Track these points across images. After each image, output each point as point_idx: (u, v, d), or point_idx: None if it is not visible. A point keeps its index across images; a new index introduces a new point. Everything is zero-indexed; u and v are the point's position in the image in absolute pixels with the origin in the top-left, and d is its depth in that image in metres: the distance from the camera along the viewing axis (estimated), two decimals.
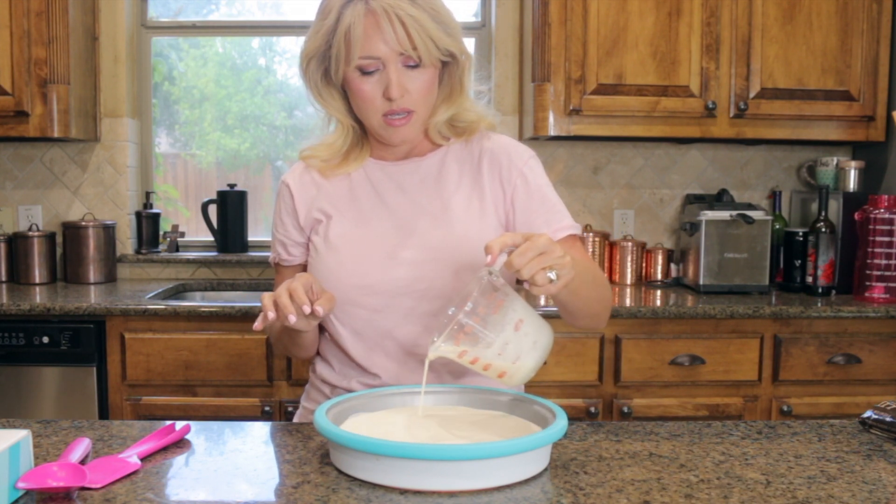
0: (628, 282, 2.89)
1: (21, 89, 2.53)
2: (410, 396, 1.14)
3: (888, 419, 1.11)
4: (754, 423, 1.19)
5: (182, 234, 3.07)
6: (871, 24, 2.65)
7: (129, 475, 0.95)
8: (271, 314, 1.10)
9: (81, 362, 2.32)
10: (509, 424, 1.06)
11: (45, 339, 2.31)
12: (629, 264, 2.88)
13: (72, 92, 2.61)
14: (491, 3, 3.00)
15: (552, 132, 2.64)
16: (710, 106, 2.62)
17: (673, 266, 2.90)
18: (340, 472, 0.96)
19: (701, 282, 2.65)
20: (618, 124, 2.65)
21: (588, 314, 1.25)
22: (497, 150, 1.33)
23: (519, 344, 1.04)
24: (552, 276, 1.01)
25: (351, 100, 1.28)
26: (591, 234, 2.85)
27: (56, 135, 2.57)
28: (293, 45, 3.16)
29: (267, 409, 2.33)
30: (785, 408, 2.38)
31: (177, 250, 3.02)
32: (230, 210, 2.96)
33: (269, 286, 1.39)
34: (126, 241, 2.96)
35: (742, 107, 2.62)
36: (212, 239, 3.02)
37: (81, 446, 1.00)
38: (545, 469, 0.98)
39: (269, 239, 1.44)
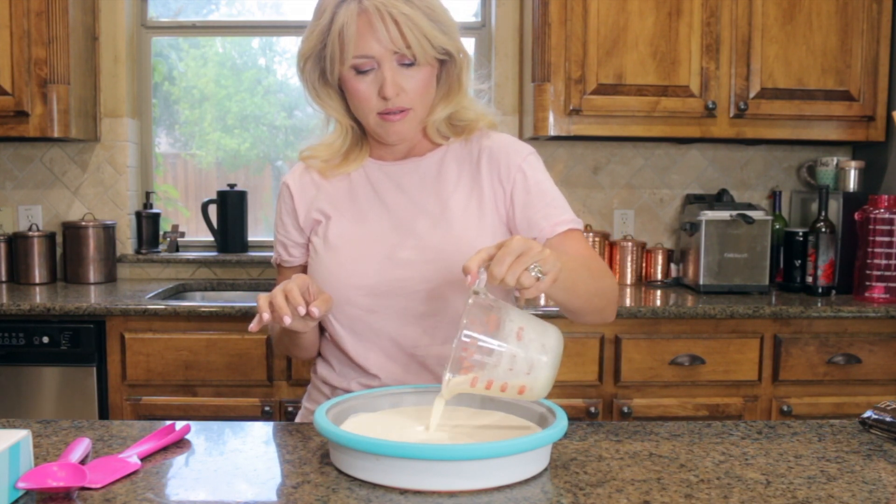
0: (628, 282, 2.89)
1: (21, 89, 2.53)
2: (410, 396, 1.14)
3: (888, 419, 1.11)
4: (754, 423, 1.19)
5: (182, 234, 3.07)
6: (871, 24, 2.65)
7: (129, 475, 0.95)
8: (266, 315, 1.10)
9: (81, 362, 2.32)
10: (509, 424, 1.06)
11: (45, 339, 2.31)
12: (629, 264, 2.88)
13: (72, 92, 2.61)
14: (491, 3, 3.00)
15: (552, 132, 2.64)
16: (710, 106, 2.62)
17: (673, 266, 2.90)
18: (340, 472, 0.96)
19: (701, 282, 2.65)
20: (618, 124, 2.65)
21: (591, 309, 1.22)
22: (496, 148, 1.32)
23: (527, 353, 1.00)
24: (536, 273, 0.98)
25: (348, 99, 1.28)
26: (591, 234, 2.85)
27: (56, 135, 2.57)
28: (293, 45, 3.16)
29: (267, 409, 2.33)
30: (785, 408, 2.38)
31: (177, 250, 3.02)
32: (230, 210, 2.96)
33: (270, 286, 1.39)
34: (126, 241, 2.96)
35: (742, 107, 2.62)
36: (212, 239, 3.02)
37: (81, 446, 1.00)
38: (545, 469, 0.98)
39: (269, 239, 1.45)
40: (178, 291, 2.81)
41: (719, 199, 2.81)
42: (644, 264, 2.93)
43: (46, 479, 0.88)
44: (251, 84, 3.17)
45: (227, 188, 2.98)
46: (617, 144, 2.98)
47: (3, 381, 2.33)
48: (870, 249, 2.50)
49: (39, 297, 2.45)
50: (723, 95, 2.64)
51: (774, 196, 2.96)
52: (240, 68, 3.18)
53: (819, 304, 2.42)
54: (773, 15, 2.62)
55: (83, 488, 0.90)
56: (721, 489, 0.92)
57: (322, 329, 1.37)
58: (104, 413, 2.34)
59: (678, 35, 2.61)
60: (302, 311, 1.10)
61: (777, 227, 2.83)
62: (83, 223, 2.79)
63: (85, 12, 2.77)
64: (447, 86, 1.30)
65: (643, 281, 2.92)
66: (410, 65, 1.21)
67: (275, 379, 2.35)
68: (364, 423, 1.05)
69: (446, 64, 1.28)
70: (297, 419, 1.43)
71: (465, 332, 0.99)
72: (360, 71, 1.22)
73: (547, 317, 2.33)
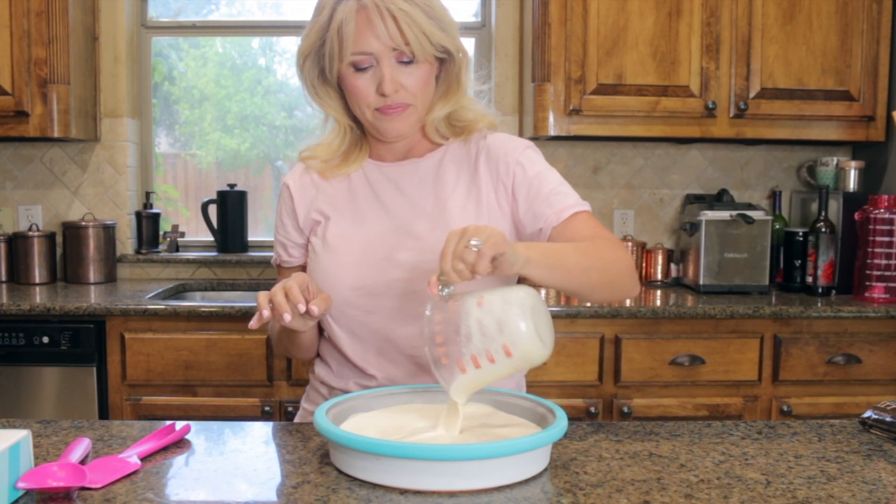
0: (635, 281, 2.88)
1: (21, 89, 2.53)
2: (410, 396, 1.14)
3: (888, 419, 1.11)
4: (754, 423, 1.19)
5: (182, 234, 3.07)
6: (871, 24, 2.65)
7: (129, 475, 0.95)
8: (266, 313, 1.10)
9: (81, 362, 2.32)
10: (509, 424, 1.06)
11: (45, 339, 2.31)
12: None
13: (72, 92, 2.61)
14: (491, 3, 3.00)
15: (552, 132, 2.64)
16: (710, 106, 2.62)
17: (673, 266, 2.90)
18: (340, 472, 0.96)
19: (701, 282, 2.65)
20: (618, 124, 2.65)
21: (592, 285, 1.18)
22: (493, 146, 1.32)
23: (491, 314, 0.98)
24: (475, 246, 0.98)
25: (346, 97, 1.28)
26: None
27: (56, 135, 2.57)
28: (293, 45, 3.16)
29: (267, 409, 2.33)
30: (785, 408, 2.38)
31: (177, 250, 3.02)
32: (230, 210, 2.96)
33: (270, 286, 1.39)
34: (126, 241, 2.96)
35: (742, 107, 2.62)
36: (212, 239, 3.02)
37: (81, 446, 1.00)
38: (545, 469, 0.97)
39: (269, 239, 1.45)
40: (178, 291, 2.81)
41: (719, 199, 2.81)
42: (644, 264, 2.93)
43: (46, 479, 0.88)
44: (251, 84, 3.17)
45: (227, 188, 2.98)
46: (617, 144, 2.98)
47: (3, 381, 2.33)
48: (870, 249, 2.50)
49: (39, 297, 2.45)
50: (723, 95, 2.64)
51: (774, 196, 2.96)
52: (240, 68, 3.18)
53: (819, 304, 2.42)
54: (773, 15, 2.62)
55: (83, 488, 0.90)
56: (721, 489, 0.92)
57: (321, 330, 1.37)
58: (104, 413, 2.34)
59: (678, 35, 2.61)
60: (302, 308, 1.10)
61: (777, 227, 2.83)
62: (83, 223, 2.79)
63: (85, 12, 2.77)
64: (446, 85, 1.30)
65: (643, 281, 2.92)
66: (409, 62, 1.22)
67: (275, 379, 2.35)
68: (364, 423, 1.05)
69: (445, 63, 1.28)
70: (296, 420, 1.43)
71: (426, 327, 0.99)
72: (358, 68, 1.22)
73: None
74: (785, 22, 2.63)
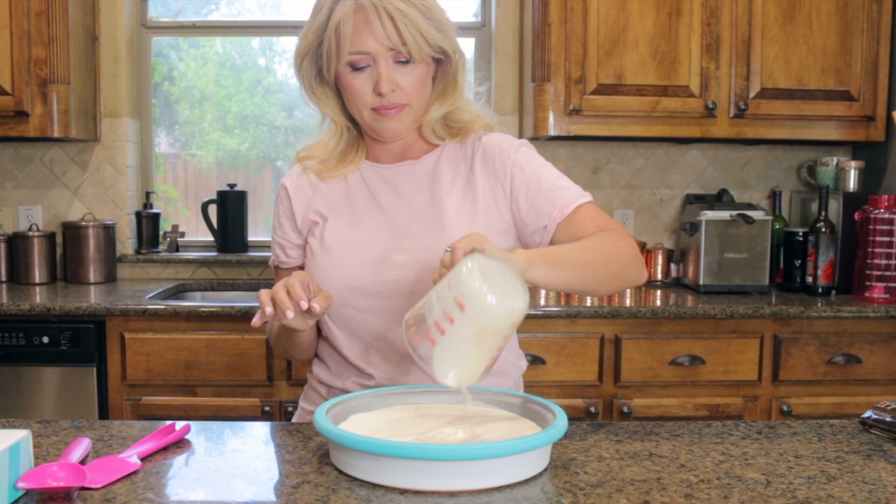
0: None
1: (21, 89, 2.53)
2: (410, 396, 1.14)
3: (888, 419, 1.11)
4: (754, 423, 1.19)
5: (182, 234, 3.07)
6: (871, 24, 2.65)
7: (129, 475, 0.95)
8: (269, 310, 1.11)
9: (81, 362, 2.32)
10: (509, 424, 1.06)
11: (45, 339, 2.31)
12: None
13: (72, 92, 2.61)
14: (491, 3, 3.00)
15: (552, 132, 2.64)
16: (710, 106, 2.62)
17: (673, 266, 2.90)
18: (340, 472, 0.96)
19: (701, 282, 2.65)
20: (618, 124, 2.65)
21: (599, 278, 1.17)
22: (489, 147, 1.32)
23: (443, 280, 0.97)
24: (447, 248, 1.00)
25: (343, 96, 1.29)
26: None
27: (56, 135, 2.57)
28: (293, 45, 3.15)
29: (267, 409, 2.33)
30: (785, 408, 2.38)
31: (177, 250, 3.02)
32: (230, 210, 2.96)
33: (269, 286, 1.40)
34: (126, 241, 2.96)
35: (742, 107, 2.62)
36: (212, 239, 3.02)
37: (81, 446, 1.00)
38: (545, 469, 0.98)
39: (269, 239, 1.45)
40: (178, 291, 2.81)
41: (719, 199, 2.81)
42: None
43: (46, 479, 0.88)
44: (251, 84, 3.17)
45: (227, 188, 2.98)
46: (617, 144, 2.98)
47: (3, 381, 2.33)
48: (870, 249, 2.50)
49: (39, 297, 2.45)
50: (723, 95, 2.64)
51: (774, 196, 2.96)
52: (240, 68, 3.18)
53: (819, 304, 2.42)
54: (773, 15, 2.62)
55: (83, 488, 0.90)
56: (721, 489, 0.92)
57: (319, 330, 1.37)
58: (104, 413, 2.34)
59: (678, 35, 2.61)
60: (304, 305, 1.10)
61: (777, 227, 2.83)
62: (83, 223, 2.79)
63: (85, 12, 2.77)
64: (443, 85, 1.30)
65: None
66: (406, 62, 1.22)
67: (275, 379, 2.35)
68: (364, 423, 1.05)
69: (442, 63, 1.29)
70: (295, 419, 1.44)
71: (404, 330, 1.00)
72: (355, 67, 1.22)
73: (547, 317, 2.33)
74: (785, 22, 2.63)
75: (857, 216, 2.57)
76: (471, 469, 0.89)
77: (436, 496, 0.89)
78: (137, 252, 2.98)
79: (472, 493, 0.90)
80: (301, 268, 1.38)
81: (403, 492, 0.90)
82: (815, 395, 2.40)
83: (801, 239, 2.69)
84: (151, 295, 2.51)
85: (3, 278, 2.82)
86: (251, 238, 3.03)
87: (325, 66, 1.25)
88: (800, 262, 2.69)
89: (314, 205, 1.34)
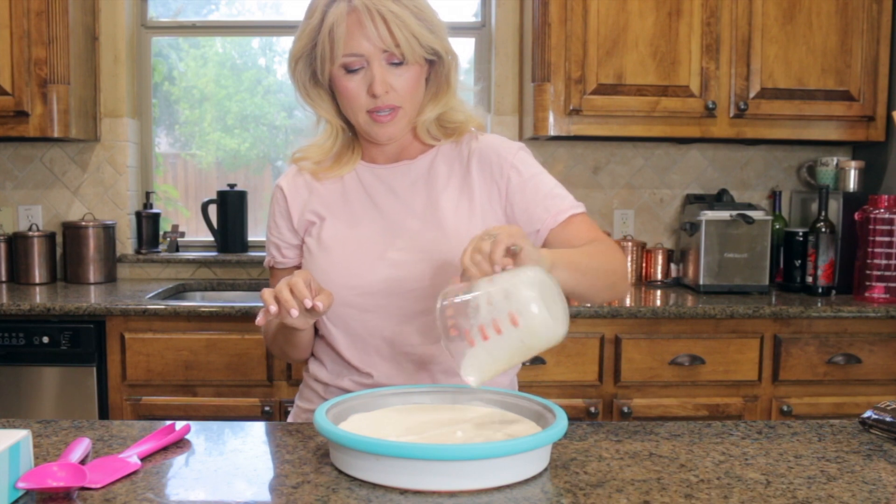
0: (628, 282, 2.88)
1: (21, 89, 2.53)
2: (410, 396, 1.14)
3: (888, 419, 1.11)
4: (754, 423, 1.19)
5: (182, 234, 3.07)
6: (871, 24, 2.65)
7: (129, 475, 0.95)
8: (273, 308, 1.11)
9: (81, 362, 2.32)
10: (509, 424, 1.06)
11: (45, 339, 2.31)
12: (629, 264, 2.88)
13: (72, 92, 2.61)
14: (491, 3, 3.00)
15: (552, 132, 2.64)
16: (710, 106, 2.62)
17: (673, 266, 2.90)
18: (340, 472, 0.96)
19: (701, 282, 2.65)
20: (618, 124, 2.65)
21: (600, 286, 1.21)
22: (486, 148, 1.33)
23: (498, 286, 0.98)
24: (490, 236, 1.01)
25: (338, 99, 1.29)
26: None
27: (56, 135, 2.57)
28: None
29: (267, 409, 2.33)
30: (785, 408, 2.38)
31: (177, 250, 3.02)
32: (230, 210, 2.96)
33: (268, 286, 1.40)
34: (126, 241, 2.96)
35: (742, 107, 2.62)
36: (212, 239, 3.02)
37: (81, 446, 1.00)
38: (545, 469, 0.98)
39: None
40: (178, 291, 2.81)
41: (719, 199, 2.81)
42: (644, 264, 2.93)
43: (46, 479, 0.88)
44: (251, 84, 3.17)
45: (227, 188, 2.98)
46: (617, 144, 2.98)
47: (3, 381, 2.33)
48: (870, 249, 2.50)
49: (39, 297, 2.45)
50: (723, 95, 2.64)
51: (774, 196, 2.96)
52: (240, 68, 3.18)
53: (819, 304, 2.42)
54: (773, 15, 2.62)
55: (83, 488, 0.90)
56: (721, 489, 0.92)
57: (316, 329, 1.37)
58: (104, 413, 2.34)
59: (678, 35, 2.61)
60: (308, 304, 1.11)
61: (777, 227, 2.83)
62: (83, 223, 2.79)
63: (85, 12, 2.77)
64: (436, 86, 1.32)
65: (643, 281, 2.92)
66: (399, 64, 1.23)
67: (275, 379, 2.35)
68: (364, 423, 1.05)
69: (435, 65, 1.30)
70: (290, 418, 1.44)
71: (439, 313, 1.00)
72: (349, 70, 1.23)
73: None
74: (785, 22, 2.63)
75: (857, 216, 2.57)
76: (471, 469, 0.89)
77: (436, 496, 0.89)
78: (137, 252, 2.98)
79: (472, 493, 0.90)
80: (297, 268, 1.38)
81: (403, 492, 0.90)
82: (815, 395, 2.40)
83: (801, 239, 2.69)
84: (151, 295, 2.51)
85: (3, 278, 2.82)
86: (251, 238, 3.03)
87: (319, 68, 1.26)
88: (800, 262, 2.69)
89: (311, 205, 1.35)
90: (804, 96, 2.65)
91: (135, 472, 0.96)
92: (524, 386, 2.29)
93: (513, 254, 1.02)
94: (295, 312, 1.11)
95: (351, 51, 1.21)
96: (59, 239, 2.88)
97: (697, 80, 2.63)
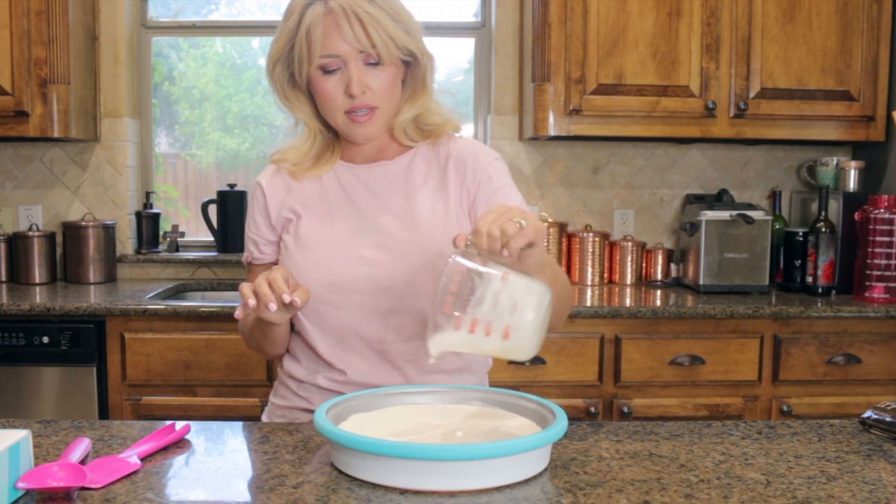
0: (628, 282, 2.89)
1: (21, 89, 2.53)
2: (409, 396, 1.14)
3: (888, 419, 1.11)
4: (754, 423, 1.19)
5: (182, 234, 3.07)
6: (871, 24, 2.65)
7: (129, 475, 0.95)
8: (252, 302, 1.13)
9: (81, 362, 2.32)
10: (509, 424, 1.06)
11: (45, 339, 2.31)
12: (629, 264, 2.88)
13: (72, 92, 2.60)
14: (491, 3, 3.00)
15: (552, 132, 2.64)
16: (710, 106, 2.62)
17: (673, 266, 2.90)
18: (340, 472, 0.96)
19: (701, 282, 2.65)
20: (618, 124, 2.65)
21: (558, 307, 1.22)
22: (463, 151, 1.35)
23: (511, 292, 1.00)
24: (521, 222, 1.01)
25: (316, 100, 1.31)
26: (591, 234, 2.85)
27: (56, 135, 2.57)
28: None
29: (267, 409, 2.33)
30: (785, 408, 2.38)
31: (177, 250, 3.02)
32: (230, 210, 2.96)
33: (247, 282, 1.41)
34: (126, 241, 2.96)
35: (742, 107, 2.62)
36: (212, 239, 3.02)
37: (81, 446, 1.00)
38: (545, 469, 0.98)
39: None
40: (178, 291, 2.81)
41: (719, 199, 2.81)
42: (644, 264, 2.93)
43: (46, 479, 0.88)
44: (251, 84, 3.17)
45: (227, 188, 2.98)
46: (617, 144, 2.98)
47: (3, 381, 2.33)
48: (870, 249, 2.50)
49: (39, 297, 2.45)
50: (723, 95, 2.64)
51: (774, 196, 2.96)
52: (240, 68, 3.18)
53: (819, 304, 2.42)
54: (773, 15, 2.62)
55: (83, 488, 0.90)
56: (721, 489, 0.92)
57: (292, 325, 1.38)
58: (104, 413, 2.34)
59: (678, 35, 2.61)
60: (287, 299, 1.12)
61: (777, 227, 2.83)
62: (83, 223, 2.79)
63: (85, 12, 2.77)
64: (412, 87, 1.33)
65: (643, 281, 2.92)
66: (376, 64, 1.25)
67: (275, 379, 2.34)
68: (364, 423, 1.05)
69: (411, 66, 1.32)
70: (264, 416, 1.45)
71: (444, 276, 1.00)
72: (327, 70, 1.25)
73: None
74: (785, 22, 2.63)
75: (857, 216, 2.57)
76: (471, 469, 0.89)
77: (436, 496, 0.89)
78: (137, 252, 2.98)
79: (472, 493, 0.90)
80: (275, 264, 1.39)
81: (403, 492, 0.90)
82: (815, 395, 2.40)
83: (801, 239, 2.69)
84: (151, 295, 2.51)
85: (3, 278, 2.82)
86: None
87: (297, 70, 1.28)
88: (800, 262, 2.69)
89: (288, 202, 1.36)
90: (804, 96, 2.65)
91: (135, 472, 0.96)
92: (524, 386, 2.29)
93: (529, 245, 1.03)
94: (273, 307, 1.12)
95: (328, 52, 1.23)
96: (59, 239, 2.88)
97: (697, 80, 2.63)
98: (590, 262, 2.85)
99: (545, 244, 1.06)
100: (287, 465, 1.00)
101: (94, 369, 2.33)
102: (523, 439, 0.91)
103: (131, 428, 1.14)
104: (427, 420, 1.07)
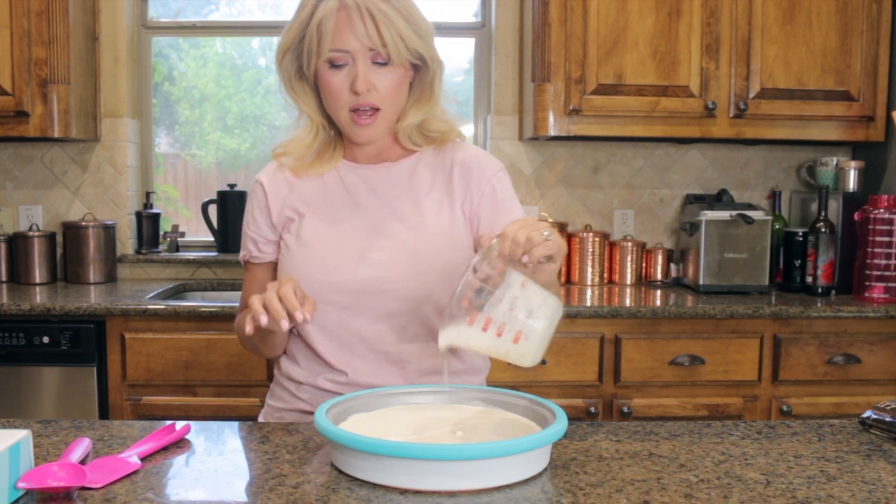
0: (628, 282, 2.89)
1: (21, 89, 2.53)
2: (409, 396, 1.14)
3: (888, 419, 1.11)
4: (754, 423, 1.19)
5: (182, 234, 3.07)
6: (871, 24, 2.65)
7: (129, 475, 0.95)
8: (264, 319, 1.11)
9: (81, 362, 2.32)
10: (509, 424, 1.06)
11: (45, 339, 2.31)
12: (629, 264, 2.88)
13: (72, 92, 2.61)
14: (491, 3, 3.00)
15: (552, 132, 2.64)
16: (710, 106, 2.62)
17: (673, 266, 2.90)
18: (340, 472, 0.96)
19: (701, 282, 2.65)
20: (618, 124, 2.65)
21: None
22: (469, 160, 1.35)
23: (528, 299, 1.03)
24: (546, 235, 1.03)
25: (321, 94, 1.30)
26: (591, 234, 2.85)
27: (56, 135, 2.57)
28: None
29: None
30: (785, 408, 2.38)
31: (177, 250, 3.02)
32: (230, 210, 2.96)
33: (244, 281, 1.41)
34: (126, 241, 2.96)
35: (742, 107, 2.62)
36: (212, 239, 3.02)
37: (81, 446, 1.00)
38: (545, 469, 0.98)
39: None
40: (179, 291, 2.81)
41: (719, 199, 2.81)
42: (644, 264, 2.93)
43: (46, 479, 0.88)
44: (251, 84, 3.17)
45: (227, 188, 2.98)
46: (617, 144, 2.98)
47: (3, 381, 2.33)
48: (869, 249, 2.50)
49: (39, 297, 2.45)
50: (723, 95, 2.64)
51: (774, 196, 2.96)
52: (240, 68, 3.18)
53: (819, 304, 2.42)
54: (773, 15, 2.62)
55: (83, 488, 0.90)
56: (721, 489, 0.92)
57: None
58: (104, 413, 2.34)
59: (678, 35, 2.61)
60: (300, 317, 1.11)
61: (777, 227, 2.83)
62: (83, 223, 2.79)
63: (85, 12, 2.77)
64: (419, 91, 1.33)
65: (643, 281, 2.92)
66: (384, 64, 1.25)
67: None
68: (364, 423, 1.05)
69: (419, 70, 1.31)
70: (261, 418, 1.43)
71: (472, 268, 1.03)
72: (334, 65, 1.25)
73: None
74: (785, 22, 2.63)
75: (856, 216, 2.57)
76: (471, 469, 0.89)
77: (436, 496, 0.89)
78: (137, 252, 2.98)
79: (472, 493, 0.90)
80: (273, 263, 1.39)
81: (403, 492, 0.90)
82: (814, 395, 2.40)
83: (800, 239, 2.69)
84: (151, 295, 2.51)
85: (3, 278, 2.82)
86: None
87: (305, 62, 1.28)
88: (800, 262, 2.69)
89: (290, 201, 1.36)
90: (804, 96, 2.65)
91: (135, 472, 0.96)
92: (524, 386, 2.29)
93: (547, 258, 1.05)
94: (285, 324, 1.10)
95: (337, 46, 1.23)
96: (59, 239, 2.88)
97: (697, 80, 2.63)
98: (590, 262, 2.85)
99: (562, 264, 1.08)
100: (287, 465, 1.00)
101: (95, 369, 2.33)
102: (523, 439, 0.91)
103: (131, 428, 1.14)
104: (427, 420, 1.07)
